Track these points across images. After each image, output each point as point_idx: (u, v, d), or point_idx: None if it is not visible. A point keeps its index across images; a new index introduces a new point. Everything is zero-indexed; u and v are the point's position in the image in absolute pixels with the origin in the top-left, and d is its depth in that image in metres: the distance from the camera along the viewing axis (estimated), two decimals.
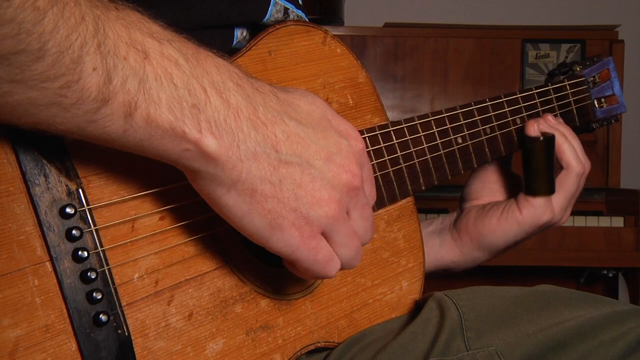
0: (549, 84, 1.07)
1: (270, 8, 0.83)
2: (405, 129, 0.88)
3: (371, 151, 0.84)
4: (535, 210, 0.98)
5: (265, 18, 0.83)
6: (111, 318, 0.62)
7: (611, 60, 1.14)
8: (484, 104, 0.97)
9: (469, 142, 0.95)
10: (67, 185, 0.61)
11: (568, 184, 0.99)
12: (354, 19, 2.50)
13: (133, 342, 0.64)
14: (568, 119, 1.09)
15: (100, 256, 0.62)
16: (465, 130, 0.95)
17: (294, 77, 0.82)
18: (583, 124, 1.12)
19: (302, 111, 0.64)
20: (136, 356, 0.64)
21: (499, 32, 2.34)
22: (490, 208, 1.01)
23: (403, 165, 0.87)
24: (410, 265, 0.91)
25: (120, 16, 0.54)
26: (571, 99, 1.09)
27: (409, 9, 2.75)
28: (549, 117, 1.01)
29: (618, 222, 2.07)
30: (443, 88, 2.31)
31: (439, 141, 0.92)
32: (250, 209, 0.61)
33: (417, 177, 0.89)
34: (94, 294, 0.61)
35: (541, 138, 0.98)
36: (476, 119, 0.96)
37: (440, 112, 0.93)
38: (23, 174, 0.59)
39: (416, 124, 0.89)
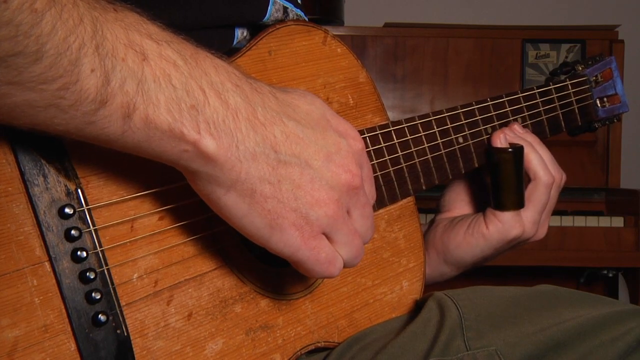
0: (551, 84, 1.07)
1: (269, 7, 0.83)
2: (406, 128, 0.88)
3: (372, 151, 0.84)
4: (503, 225, 0.94)
5: (265, 18, 0.83)
6: (110, 318, 0.62)
7: (613, 60, 1.14)
8: (485, 103, 0.97)
9: (470, 142, 0.95)
10: (66, 186, 0.61)
11: (537, 196, 0.95)
12: (354, 19, 2.50)
13: (132, 342, 0.64)
14: (570, 119, 1.09)
15: (99, 256, 0.62)
16: (467, 129, 0.95)
17: (294, 76, 0.82)
18: (585, 124, 1.12)
19: (301, 111, 0.64)
20: (135, 356, 0.64)
21: (499, 32, 2.34)
22: (457, 222, 0.98)
23: (404, 164, 0.87)
24: (411, 265, 0.91)
25: (119, 17, 0.54)
26: (573, 99, 1.09)
27: (409, 9, 2.75)
28: (516, 127, 0.97)
29: (618, 222, 2.07)
30: (443, 88, 2.31)
31: (439, 141, 0.92)
32: (250, 209, 0.61)
33: (417, 177, 0.89)
34: (93, 294, 0.61)
35: (509, 150, 0.94)
36: (477, 119, 0.96)
37: (441, 112, 0.92)
38: (22, 174, 0.59)
39: (417, 123, 0.89)
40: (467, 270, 1.01)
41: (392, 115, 2.13)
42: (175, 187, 0.68)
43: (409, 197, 0.91)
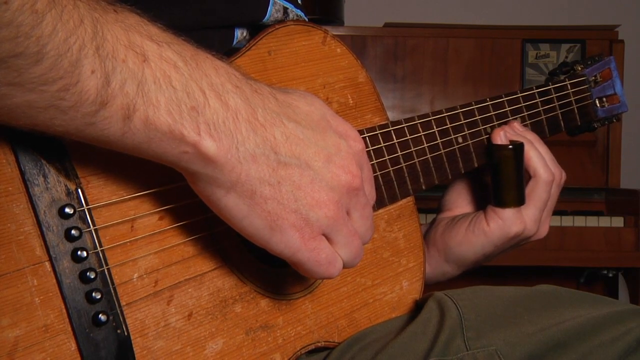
0: (550, 84, 1.07)
1: (269, 8, 0.83)
2: (405, 128, 0.88)
3: (371, 151, 0.84)
4: (504, 222, 0.94)
5: (265, 18, 0.83)
6: (110, 318, 0.62)
7: (612, 60, 1.14)
8: (485, 103, 0.97)
9: (470, 142, 0.95)
10: (66, 185, 0.61)
11: (538, 194, 0.95)
12: (354, 19, 2.50)
13: (132, 341, 0.64)
14: (569, 119, 1.09)
15: (100, 256, 0.62)
16: (466, 129, 0.95)
17: (293, 77, 0.82)
18: (584, 124, 1.12)
19: (301, 112, 0.64)
20: (135, 356, 0.64)
21: (499, 32, 2.34)
22: (458, 220, 0.98)
23: (403, 164, 0.87)
24: (411, 264, 0.91)
25: (119, 19, 0.54)
26: (572, 99, 1.09)
27: (409, 9, 2.75)
28: (516, 124, 0.97)
29: (618, 222, 2.07)
30: (443, 88, 2.31)
31: (439, 141, 0.92)
32: (250, 210, 0.61)
33: (417, 177, 0.89)
34: (93, 294, 0.61)
35: (510, 147, 0.94)
36: (477, 119, 0.96)
37: (440, 112, 0.92)
38: (22, 174, 0.59)
39: (416, 123, 0.89)
40: (468, 269, 1.01)
41: (392, 115, 2.13)
42: (175, 187, 0.68)
43: (409, 197, 0.91)
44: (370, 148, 0.84)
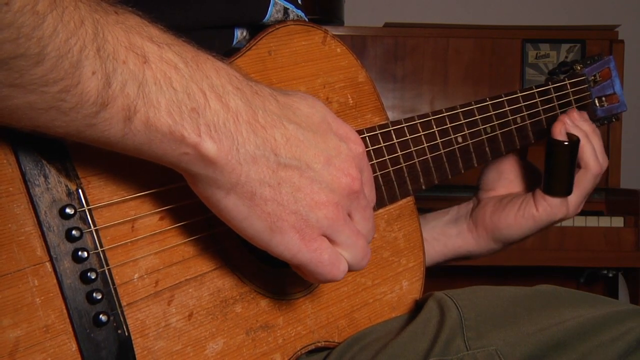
0: (550, 83, 1.07)
1: (270, 8, 0.83)
2: (405, 128, 0.88)
3: (371, 151, 0.84)
4: (552, 209, 1.00)
5: (265, 18, 0.83)
6: (111, 318, 0.62)
7: (612, 59, 1.14)
8: (484, 103, 0.97)
9: (470, 142, 0.95)
10: (66, 186, 0.61)
11: (585, 184, 1.01)
12: (354, 19, 2.50)
13: (133, 342, 0.64)
14: None
15: (100, 256, 0.63)
16: (466, 129, 0.95)
17: (293, 76, 0.82)
18: None
19: (302, 114, 0.64)
20: (136, 356, 0.64)
21: (499, 32, 2.34)
22: (507, 202, 1.03)
23: (403, 164, 0.87)
24: (411, 264, 0.91)
25: (120, 20, 0.54)
26: (572, 98, 1.09)
27: (409, 9, 2.75)
28: (575, 114, 1.02)
29: (618, 222, 2.07)
30: (443, 88, 2.31)
31: (439, 140, 0.92)
32: (250, 212, 0.61)
33: (417, 177, 0.89)
34: (94, 294, 0.61)
35: (566, 143, 0.99)
36: (476, 118, 0.96)
37: (440, 112, 0.93)
38: (23, 174, 0.59)
39: (416, 123, 0.89)
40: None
41: (392, 115, 2.13)
42: (176, 188, 0.68)
43: (409, 197, 0.91)
44: (370, 148, 0.84)
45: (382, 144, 0.85)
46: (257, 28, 0.83)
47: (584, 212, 2.11)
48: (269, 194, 0.61)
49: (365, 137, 0.83)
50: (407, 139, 0.88)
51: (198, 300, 0.70)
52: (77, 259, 0.61)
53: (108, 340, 0.62)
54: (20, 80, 0.49)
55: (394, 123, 0.87)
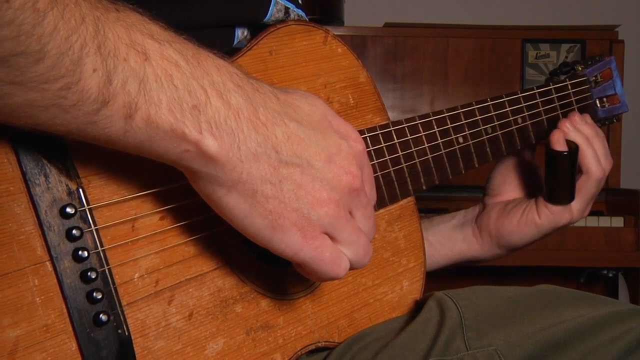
0: (551, 84, 1.07)
1: (271, 8, 0.83)
2: (406, 128, 0.88)
3: (372, 151, 0.84)
4: (555, 216, 1.00)
5: (266, 18, 0.83)
6: (111, 318, 0.62)
7: (613, 60, 1.14)
8: (486, 103, 0.97)
9: (470, 142, 0.95)
10: (67, 185, 0.61)
11: (587, 189, 1.01)
12: (354, 19, 2.50)
13: (133, 341, 0.64)
14: None
15: (101, 256, 0.62)
16: (467, 129, 0.95)
17: (294, 76, 0.82)
18: None
19: (303, 112, 0.64)
20: (136, 356, 0.64)
21: (499, 32, 2.34)
22: (511, 209, 1.03)
23: (404, 164, 0.87)
24: (411, 265, 0.91)
25: (121, 17, 0.54)
26: (573, 99, 1.09)
27: (409, 9, 2.75)
28: (576, 118, 1.01)
29: (618, 222, 2.07)
30: (443, 88, 2.31)
31: (440, 141, 0.92)
32: (251, 209, 0.61)
33: (418, 177, 0.89)
34: (94, 294, 0.61)
35: (565, 153, 0.98)
36: (477, 119, 0.96)
37: (441, 112, 0.92)
38: (23, 173, 0.59)
39: (417, 123, 0.89)
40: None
41: (392, 115, 2.13)
42: (176, 187, 0.68)
43: (409, 197, 0.91)
44: (371, 148, 0.84)
45: (383, 144, 0.85)
46: (258, 28, 0.83)
47: None
48: (271, 192, 0.60)
49: (366, 137, 0.83)
50: (408, 139, 0.88)
51: (198, 300, 0.70)
52: (77, 258, 0.61)
53: (108, 339, 0.62)
54: (20, 77, 0.49)
55: (394, 123, 0.87)
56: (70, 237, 0.60)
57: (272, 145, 0.60)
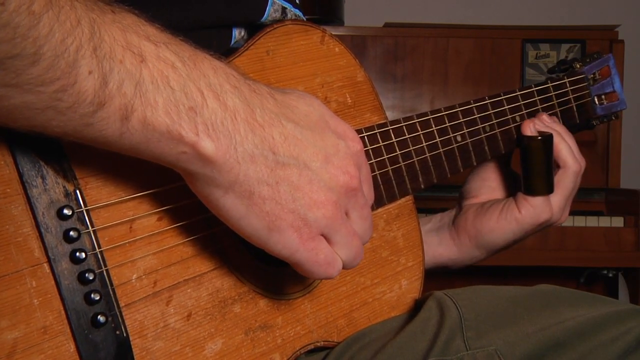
0: (549, 82, 1.07)
1: (268, 8, 0.83)
2: (404, 127, 0.88)
3: (370, 150, 0.84)
4: (535, 210, 0.97)
5: (263, 18, 0.83)
6: (109, 319, 0.62)
7: (611, 57, 1.14)
8: (483, 102, 0.97)
9: (469, 140, 0.95)
10: (64, 187, 0.61)
11: (566, 183, 0.99)
12: (354, 19, 2.50)
13: (131, 342, 0.64)
14: (568, 117, 1.09)
15: (98, 257, 0.62)
16: (465, 128, 0.95)
17: (292, 76, 0.82)
18: (583, 121, 1.12)
19: (300, 113, 0.64)
20: (135, 357, 0.64)
21: (499, 32, 2.34)
22: (489, 207, 1.01)
23: (402, 164, 0.87)
24: (410, 264, 0.91)
25: (117, 19, 0.54)
26: (571, 97, 1.09)
27: (409, 9, 2.75)
28: (544, 117, 1.01)
29: (618, 222, 2.07)
30: (443, 88, 2.31)
31: (438, 139, 0.92)
32: (248, 210, 0.61)
33: (416, 176, 0.89)
34: (92, 295, 0.61)
35: (539, 137, 0.97)
36: (475, 117, 0.96)
37: (439, 111, 0.93)
38: (20, 175, 0.59)
39: (415, 122, 0.89)
40: (496, 253, 1.04)
41: (392, 115, 2.13)
42: (174, 188, 0.68)
43: (408, 196, 0.91)
44: (369, 147, 0.84)
45: (381, 143, 0.85)
46: (255, 28, 0.83)
47: (584, 212, 2.11)
48: (267, 193, 0.61)
49: (364, 136, 0.83)
50: (406, 138, 0.88)
51: (197, 301, 0.70)
52: (75, 259, 0.61)
53: (106, 341, 0.62)
54: (16, 80, 0.49)
55: (392, 122, 0.87)
56: (67, 239, 0.60)
57: (269, 147, 0.60)
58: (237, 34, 0.84)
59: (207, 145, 0.57)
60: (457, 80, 2.31)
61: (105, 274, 0.63)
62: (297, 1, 0.90)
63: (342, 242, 0.65)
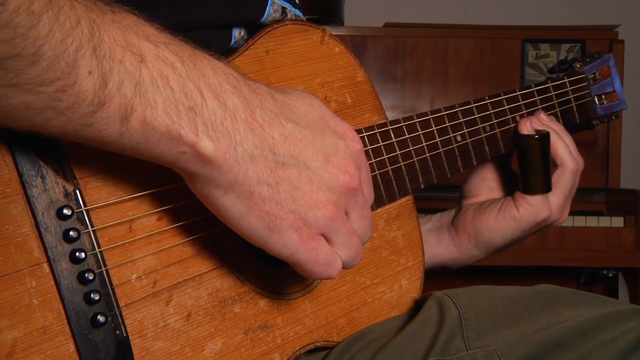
0: (549, 82, 1.07)
1: (267, 7, 0.83)
2: (404, 127, 0.88)
3: (370, 150, 0.84)
4: (533, 208, 0.97)
5: (263, 18, 0.83)
6: (109, 319, 0.62)
7: (611, 57, 1.14)
8: (483, 101, 0.97)
9: (469, 140, 0.95)
10: (64, 187, 0.61)
11: (564, 182, 0.99)
12: (354, 19, 2.50)
13: (131, 342, 0.64)
14: (568, 117, 1.09)
15: (98, 257, 0.62)
16: (465, 128, 0.95)
17: (292, 76, 0.82)
18: (583, 121, 1.12)
19: (300, 113, 0.64)
20: (134, 357, 0.64)
21: (499, 32, 2.34)
22: (487, 206, 1.01)
23: (402, 163, 0.87)
24: (410, 263, 0.91)
25: (116, 19, 0.54)
26: (571, 96, 1.09)
27: (409, 9, 2.75)
28: (542, 115, 1.01)
29: (618, 222, 2.07)
30: (443, 88, 2.31)
31: (438, 139, 0.91)
32: (248, 210, 0.61)
33: (416, 176, 0.89)
34: (92, 295, 0.61)
35: (536, 136, 0.97)
36: (475, 117, 0.96)
37: (439, 110, 0.92)
38: (20, 175, 0.59)
39: (415, 122, 0.89)
40: (495, 253, 1.04)
41: (392, 116, 2.13)
42: (174, 188, 0.68)
43: (408, 196, 0.91)
44: (369, 147, 0.84)
45: (381, 143, 0.85)
46: (255, 28, 0.83)
47: (584, 212, 2.11)
48: (267, 193, 0.60)
49: (364, 136, 0.83)
50: (406, 137, 0.88)
51: (196, 301, 0.70)
52: (74, 259, 0.61)
53: (106, 341, 0.62)
54: (16, 80, 0.49)
55: (392, 122, 0.87)
56: (67, 239, 0.60)
57: (268, 147, 0.60)
58: (237, 33, 0.84)
59: (207, 145, 0.57)
60: (457, 80, 2.31)
61: (105, 273, 0.63)
62: (297, 1, 0.90)
63: (342, 242, 0.66)
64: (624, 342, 0.76)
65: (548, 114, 1.03)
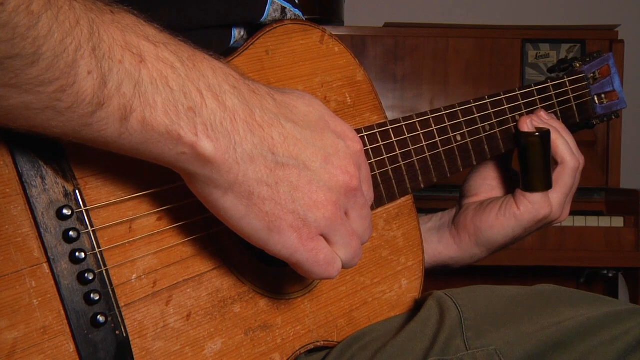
0: (549, 81, 1.07)
1: (267, 7, 0.83)
2: (404, 127, 0.88)
3: (370, 150, 0.84)
4: (533, 206, 0.97)
5: (263, 17, 0.83)
6: (109, 319, 0.62)
7: (611, 56, 1.14)
8: (483, 101, 0.97)
9: (468, 140, 0.95)
10: (64, 187, 0.61)
11: (564, 179, 0.99)
12: (354, 19, 2.50)
13: (131, 342, 0.64)
14: (568, 116, 1.09)
15: (98, 257, 0.62)
16: (465, 127, 0.95)
17: (291, 76, 0.82)
18: (583, 121, 1.12)
19: (299, 113, 0.64)
20: (134, 357, 0.64)
21: (499, 32, 2.34)
22: (488, 204, 1.01)
23: (402, 163, 0.87)
24: (410, 263, 0.91)
25: (116, 19, 0.54)
26: (571, 96, 1.09)
27: (409, 9, 2.75)
28: (542, 113, 1.01)
29: (618, 222, 2.07)
30: (443, 88, 2.31)
31: (438, 139, 0.92)
32: (248, 211, 0.61)
33: (416, 176, 0.89)
34: (92, 295, 0.61)
35: (537, 134, 0.98)
36: (475, 117, 0.96)
37: (439, 110, 0.93)
38: (20, 175, 0.59)
39: (415, 122, 0.89)
40: (496, 252, 1.04)
41: (392, 115, 2.13)
42: (174, 188, 0.68)
43: (407, 196, 0.91)
44: (369, 147, 0.84)
45: (381, 143, 0.85)
46: (254, 27, 0.83)
47: (584, 212, 2.11)
48: (267, 194, 0.60)
49: (364, 136, 0.83)
50: (406, 137, 0.88)
51: (196, 301, 0.70)
52: (74, 260, 0.61)
53: (106, 341, 0.62)
54: (15, 80, 0.49)
55: (392, 122, 0.87)
56: (67, 239, 0.60)
57: (268, 147, 0.60)
58: (237, 33, 0.84)
59: (206, 146, 0.57)
60: (457, 80, 2.31)
61: (104, 274, 0.63)
62: (297, 1, 0.90)
63: (342, 242, 0.65)
64: (624, 342, 0.76)
65: (548, 113, 1.03)
